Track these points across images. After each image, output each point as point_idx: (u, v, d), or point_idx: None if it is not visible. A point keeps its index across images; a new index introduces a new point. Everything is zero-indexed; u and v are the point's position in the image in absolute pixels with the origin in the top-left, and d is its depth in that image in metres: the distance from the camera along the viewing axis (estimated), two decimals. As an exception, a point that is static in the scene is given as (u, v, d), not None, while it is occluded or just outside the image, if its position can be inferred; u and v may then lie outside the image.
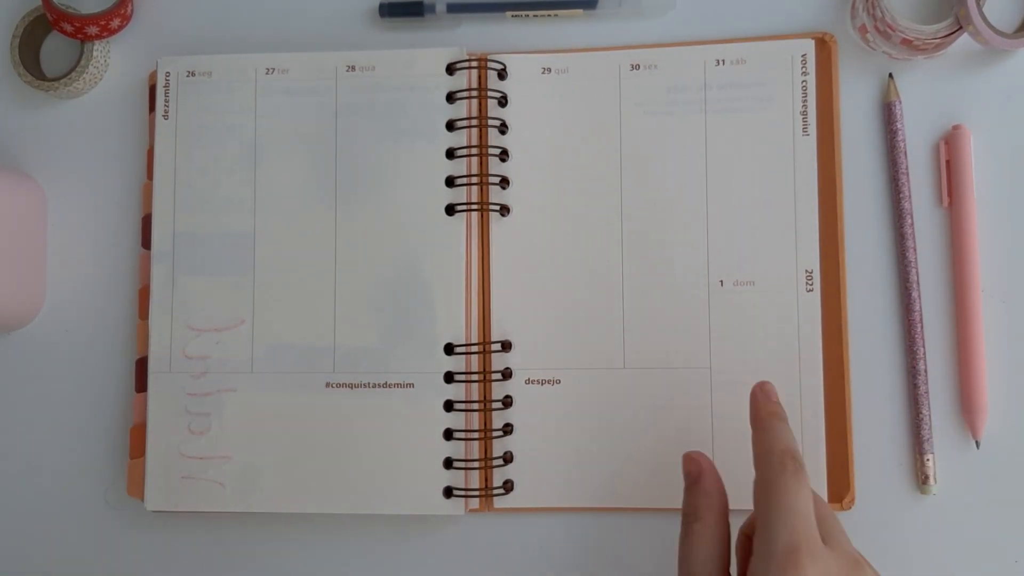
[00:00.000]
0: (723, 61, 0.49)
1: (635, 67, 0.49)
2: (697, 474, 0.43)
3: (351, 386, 0.48)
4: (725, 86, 0.49)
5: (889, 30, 0.46)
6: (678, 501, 0.47)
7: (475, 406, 0.48)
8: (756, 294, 0.48)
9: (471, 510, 0.48)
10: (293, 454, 0.48)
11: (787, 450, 0.39)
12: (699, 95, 0.49)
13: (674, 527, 0.48)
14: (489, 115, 0.49)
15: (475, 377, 0.48)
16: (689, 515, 0.42)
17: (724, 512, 0.42)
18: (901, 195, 0.47)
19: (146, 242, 0.51)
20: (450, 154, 0.49)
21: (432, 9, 0.51)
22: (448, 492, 0.47)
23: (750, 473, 0.47)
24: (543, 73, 0.50)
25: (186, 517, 0.50)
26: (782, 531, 0.37)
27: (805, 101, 0.48)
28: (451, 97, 0.49)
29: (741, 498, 0.47)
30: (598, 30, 0.51)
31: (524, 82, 0.50)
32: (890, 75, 0.48)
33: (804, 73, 0.48)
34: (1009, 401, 0.46)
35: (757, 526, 0.38)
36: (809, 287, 0.47)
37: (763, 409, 0.42)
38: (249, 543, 0.50)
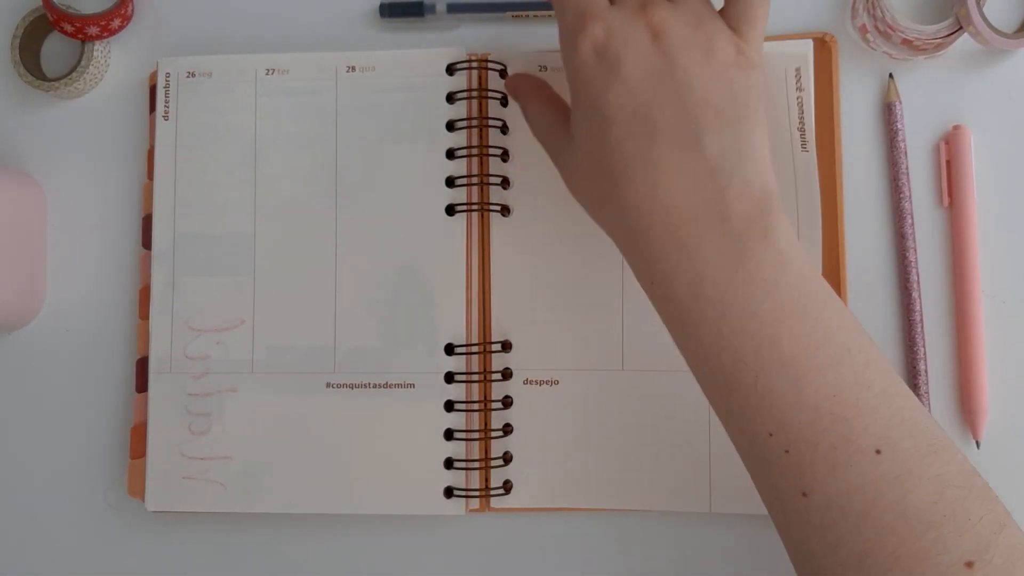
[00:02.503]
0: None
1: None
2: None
3: (351, 386, 0.48)
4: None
5: (889, 30, 0.46)
6: (678, 502, 0.47)
7: (475, 406, 0.48)
8: (756, 294, 0.48)
9: (471, 510, 0.48)
10: (294, 454, 0.48)
11: (581, 8, 0.40)
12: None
13: (674, 528, 0.48)
14: (490, 115, 0.49)
15: (475, 377, 0.48)
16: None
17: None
18: (901, 195, 0.47)
19: (146, 242, 0.51)
20: (450, 154, 0.49)
21: (432, 9, 0.51)
22: (448, 492, 0.47)
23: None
24: (543, 73, 0.50)
25: (186, 517, 0.50)
26: (566, 8, 0.40)
27: (805, 101, 0.48)
28: (451, 97, 0.49)
29: (739, 500, 0.47)
30: (598, 30, 0.50)
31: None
32: (890, 75, 0.48)
33: (804, 73, 0.48)
34: (1009, 401, 0.46)
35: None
36: (809, 287, 0.47)
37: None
38: (249, 543, 0.50)
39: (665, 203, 0.37)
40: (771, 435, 0.35)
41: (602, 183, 0.39)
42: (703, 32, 0.39)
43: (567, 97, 0.42)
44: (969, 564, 0.32)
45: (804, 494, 0.35)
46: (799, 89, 0.48)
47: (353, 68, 0.50)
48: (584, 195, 0.41)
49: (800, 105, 0.47)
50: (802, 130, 0.47)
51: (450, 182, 0.49)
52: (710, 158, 0.37)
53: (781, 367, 0.35)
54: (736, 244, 0.36)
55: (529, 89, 0.46)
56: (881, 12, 0.46)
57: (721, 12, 0.40)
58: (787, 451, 0.35)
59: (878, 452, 0.34)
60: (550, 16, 0.50)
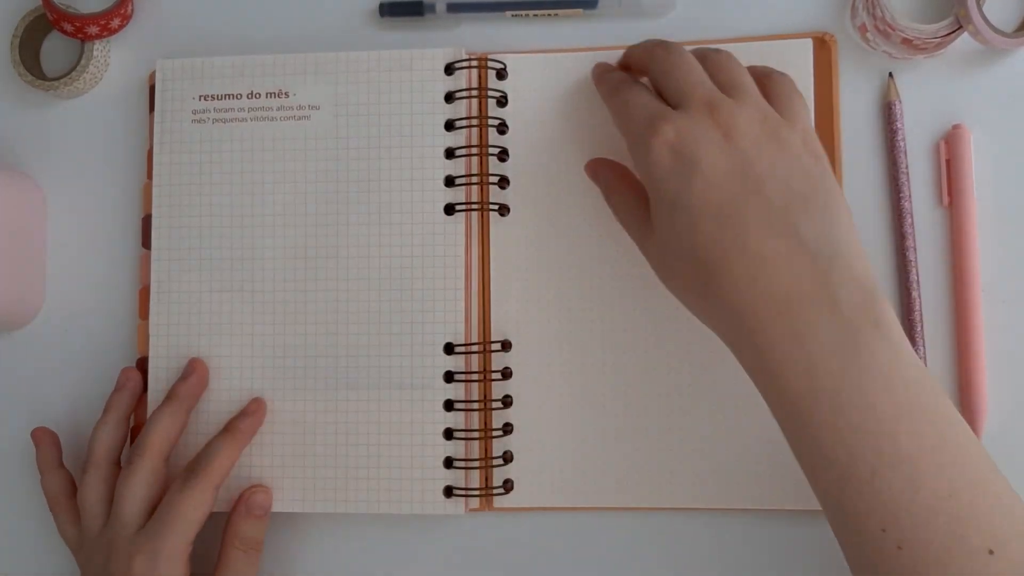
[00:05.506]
0: None
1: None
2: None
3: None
4: (725, 86, 0.49)
5: (889, 29, 0.46)
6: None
7: (475, 406, 0.48)
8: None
9: (471, 510, 0.48)
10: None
11: (648, 113, 0.41)
12: (699, 95, 0.49)
13: (674, 527, 0.48)
14: (489, 115, 0.49)
15: (475, 377, 0.48)
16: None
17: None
18: (901, 195, 0.47)
19: (146, 242, 0.51)
20: (449, 154, 0.49)
21: (432, 9, 0.51)
22: (448, 492, 0.47)
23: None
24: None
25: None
26: (633, 116, 0.41)
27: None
28: (450, 97, 0.49)
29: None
30: (598, 30, 0.51)
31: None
32: (890, 75, 0.48)
33: (803, 73, 0.48)
34: (1009, 401, 0.46)
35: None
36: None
37: (607, 82, 0.45)
38: (249, 543, 0.50)
39: (770, 291, 0.37)
40: (884, 531, 0.35)
41: (698, 275, 0.39)
42: (769, 127, 0.39)
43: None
44: None
45: None
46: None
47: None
48: (679, 287, 0.41)
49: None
50: None
51: (449, 181, 0.49)
52: (808, 243, 0.37)
53: (899, 465, 0.35)
54: (849, 332, 0.36)
55: (611, 176, 0.46)
56: (881, 12, 0.46)
57: None
58: (900, 547, 0.35)
59: (991, 552, 0.34)
60: (549, 16, 0.50)
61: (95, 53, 0.52)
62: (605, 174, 0.46)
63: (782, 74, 0.43)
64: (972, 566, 0.34)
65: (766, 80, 0.43)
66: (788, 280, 0.37)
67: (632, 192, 0.44)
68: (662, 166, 0.39)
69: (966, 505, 0.34)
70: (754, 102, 0.40)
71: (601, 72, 0.47)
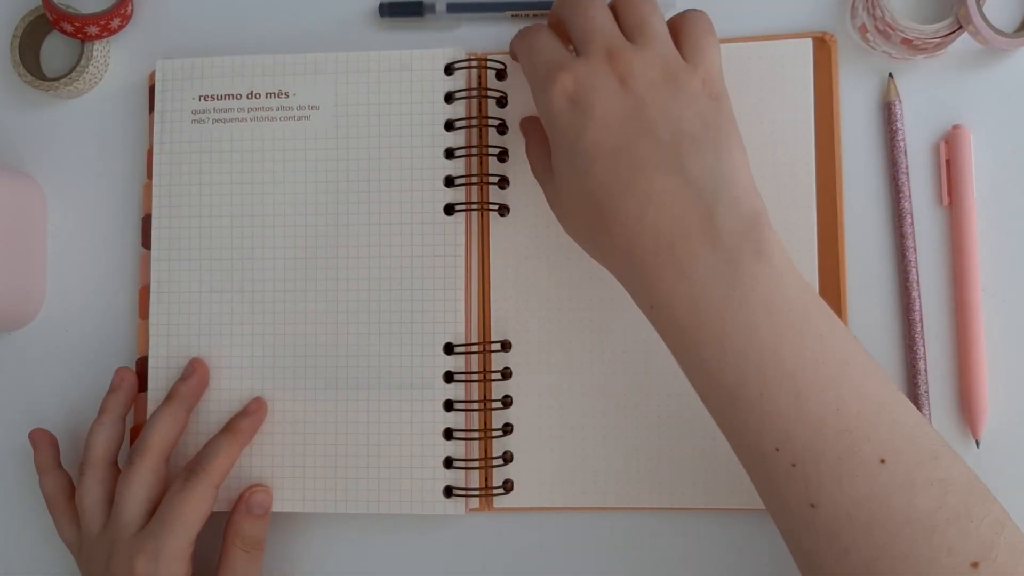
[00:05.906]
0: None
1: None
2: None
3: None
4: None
5: (889, 29, 0.46)
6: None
7: (475, 406, 0.48)
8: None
9: (471, 510, 0.48)
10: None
11: (549, 62, 0.41)
12: (699, 95, 0.49)
13: (676, 525, 0.48)
14: (488, 115, 0.49)
15: (475, 377, 0.48)
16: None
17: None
18: (901, 195, 0.47)
19: (146, 242, 0.51)
20: (449, 154, 0.49)
21: (432, 9, 0.51)
22: (448, 492, 0.47)
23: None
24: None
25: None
26: (536, 64, 0.42)
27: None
28: (450, 97, 0.49)
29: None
30: (598, 30, 0.50)
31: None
32: (890, 75, 0.48)
33: (803, 73, 0.48)
34: (1009, 401, 0.46)
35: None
36: (809, 287, 0.47)
37: (518, 33, 0.44)
38: (249, 543, 0.50)
39: (655, 227, 0.38)
40: (777, 450, 0.36)
41: (591, 217, 0.40)
42: (667, 71, 0.40)
43: None
44: (975, 564, 0.33)
45: (812, 505, 0.35)
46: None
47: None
48: (576, 231, 0.42)
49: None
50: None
51: (449, 181, 0.49)
52: (693, 181, 0.38)
53: (784, 383, 0.36)
54: (729, 263, 0.37)
55: (530, 128, 0.47)
56: (881, 12, 0.46)
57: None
58: (794, 465, 0.36)
59: (882, 461, 0.35)
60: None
61: (95, 53, 0.52)
62: (529, 127, 0.47)
63: (697, 12, 0.43)
64: (865, 476, 0.34)
65: (679, 19, 0.42)
66: (672, 217, 0.38)
67: (545, 142, 0.44)
68: (560, 114, 0.40)
69: (853, 417, 0.35)
70: (656, 45, 0.40)
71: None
